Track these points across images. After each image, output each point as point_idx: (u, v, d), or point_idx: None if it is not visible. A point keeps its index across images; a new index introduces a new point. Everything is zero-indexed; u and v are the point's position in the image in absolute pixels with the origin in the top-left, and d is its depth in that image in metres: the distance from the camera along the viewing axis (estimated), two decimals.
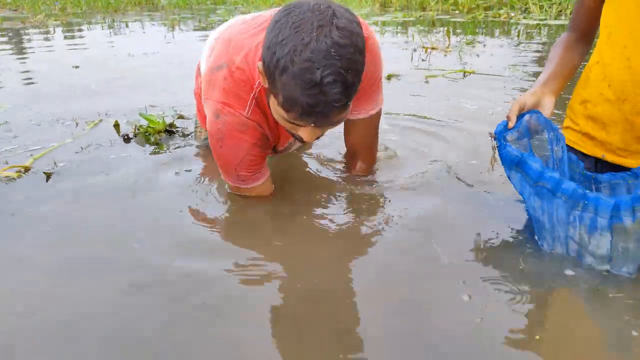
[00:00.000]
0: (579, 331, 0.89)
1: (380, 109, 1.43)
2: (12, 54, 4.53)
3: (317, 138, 1.17)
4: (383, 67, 1.35)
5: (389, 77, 2.91)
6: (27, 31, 6.61)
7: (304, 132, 1.09)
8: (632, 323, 0.89)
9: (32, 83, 3.05)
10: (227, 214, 1.33)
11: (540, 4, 6.68)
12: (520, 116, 1.11)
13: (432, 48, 3.94)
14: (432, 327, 0.89)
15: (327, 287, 1.03)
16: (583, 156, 1.24)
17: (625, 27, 1.09)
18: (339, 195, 1.41)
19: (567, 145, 1.25)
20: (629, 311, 0.92)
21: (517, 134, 1.10)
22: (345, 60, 0.94)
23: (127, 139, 1.89)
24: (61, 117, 2.19)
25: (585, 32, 1.26)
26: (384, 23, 6.30)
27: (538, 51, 3.78)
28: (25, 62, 3.92)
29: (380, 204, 1.36)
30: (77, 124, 2.10)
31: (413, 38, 4.41)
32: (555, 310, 0.97)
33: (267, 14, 1.26)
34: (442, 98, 2.43)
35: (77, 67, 3.57)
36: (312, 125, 1.03)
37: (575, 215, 0.99)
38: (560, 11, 6.28)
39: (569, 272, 1.02)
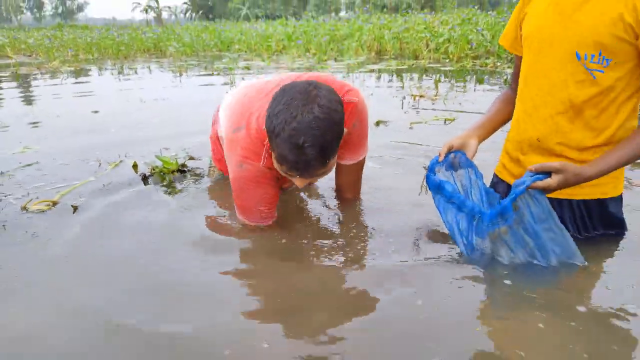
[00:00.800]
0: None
1: (365, 156, 1.74)
2: (33, 99, 4.90)
3: (310, 184, 1.45)
4: (368, 123, 1.67)
5: (377, 123, 3.21)
6: (44, 77, 7.05)
7: (296, 180, 1.41)
8: (538, 316, 1.11)
9: (57, 127, 3.37)
10: (241, 248, 1.57)
11: None
12: (448, 154, 1.42)
13: (421, 96, 4.28)
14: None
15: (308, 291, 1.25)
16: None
17: (521, 82, 1.43)
18: (331, 221, 1.67)
19: (498, 176, 1.60)
20: (540, 310, 1.14)
21: (444, 168, 1.42)
22: (322, 131, 1.26)
23: (145, 178, 2.16)
24: (86, 158, 2.47)
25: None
26: (379, 70, 6.72)
27: None
28: (46, 108, 4.26)
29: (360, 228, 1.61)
30: (100, 164, 2.37)
31: (403, 86, 4.77)
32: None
33: (271, 84, 1.58)
34: (420, 140, 2.72)
35: (96, 112, 3.91)
36: (298, 176, 1.35)
37: (472, 225, 1.31)
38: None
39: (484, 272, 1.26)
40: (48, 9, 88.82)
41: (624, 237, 1.47)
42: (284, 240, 1.56)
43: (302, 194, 1.94)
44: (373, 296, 1.25)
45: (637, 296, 1.23)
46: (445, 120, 3.29)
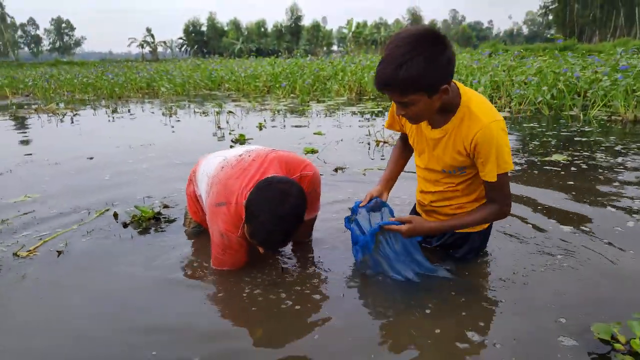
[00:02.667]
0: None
1: (317, 214, 2.24)
2: (34, 143, 5.29)
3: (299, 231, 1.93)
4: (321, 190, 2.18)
5: (336, 170, 3.62)
6: (42, 119, 7.46)
7: (262, 249, 1.88)
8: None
9: (56, 174, 3.76)
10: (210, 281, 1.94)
11: (491, 95, 7.67)
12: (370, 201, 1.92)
13: (384, 142, 4.71)
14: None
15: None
16: None
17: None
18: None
19: None
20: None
21: (365, 210, 1.89)
22: (289, 224, 1.75)
23: (125, 225, 2.53)
24: (77, 206, 2.85)
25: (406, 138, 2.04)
26: (355, 113, 7.20)
27: None
28: (46, 153, 4.65)
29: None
30: (89, 212, 2.75)
31: (369, 133, 5.21)
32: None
33: (245, 163, 1.99)
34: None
35: (91, 158, 4.32)
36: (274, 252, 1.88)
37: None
38: (509, 102, 7.24)
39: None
40: (45, 44, 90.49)
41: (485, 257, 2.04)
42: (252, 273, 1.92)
43: None
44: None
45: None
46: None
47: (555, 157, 3.90)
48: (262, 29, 75.85)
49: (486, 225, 1.96)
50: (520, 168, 3.60)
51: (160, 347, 1.51)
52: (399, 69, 1.42)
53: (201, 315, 1.70)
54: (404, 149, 2.07)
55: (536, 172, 3.48)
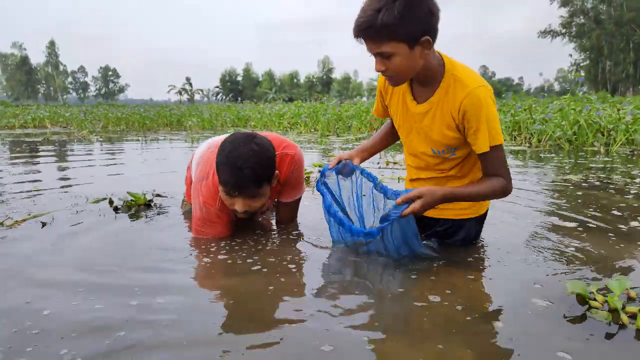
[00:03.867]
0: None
1: (301, 197, 2.21)
2: (53, 161, 5.53)
3: (250, 212, 1.86)
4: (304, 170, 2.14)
5: None
6: (72, 143, 7.83)
7: (238, 205, 1.80)
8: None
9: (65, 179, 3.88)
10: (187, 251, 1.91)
11: (512, 133, 7.59)
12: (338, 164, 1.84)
13: (394, 162, 4.68)
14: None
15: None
16: None
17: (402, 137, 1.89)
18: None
19: None
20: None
21: (335, 173, 1.83)
22: (257, 159, 1.73)
23: (116, 209, 2.55)
24: (79, 195, 2.92)
25: None
26: None
27: None
28: (67, 171, 4.83)
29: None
30: (87, 200, 2.80)
31: (380, 155, 5.21)
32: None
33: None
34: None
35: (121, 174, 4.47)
36: (237, 194, 1.76)
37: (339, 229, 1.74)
38: (529, 138, 7.12)
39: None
40: (92, 90, 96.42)
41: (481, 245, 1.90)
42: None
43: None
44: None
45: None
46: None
47: (569, 176, 3.77)
48: (295, 80, 78.77)
49: (483, 210, 1.86)
50: (529, 189, 3.48)
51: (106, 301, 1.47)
52: (378, 13, 1.38)
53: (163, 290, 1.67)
54: (391, 132, 2.01)
55: (545, 186, 3.35)
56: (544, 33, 48.03)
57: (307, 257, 1.82)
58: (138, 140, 8.48)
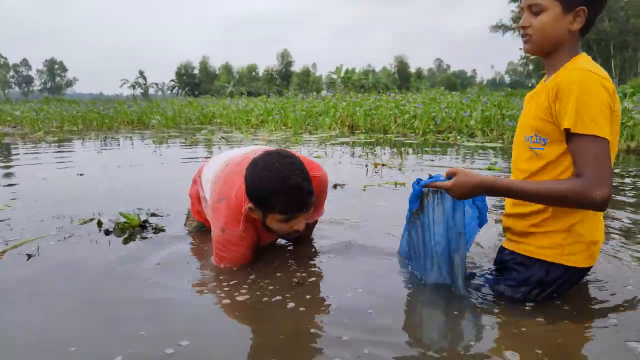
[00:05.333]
0: None
1: (319, 217, 2.19)
2: (18, 165, 5.08)
3: (304, 228, 1.75)
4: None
5: (335, 186, 3.48)
6: (27, 146, 7.27)
7: (297, 224, 1.69)
8: None
9: (41, 188, 3.55)
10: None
11: (483, 129, 7.73)
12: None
13: (383, 164, 4.61)
14: None
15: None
16: None
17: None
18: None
19: None
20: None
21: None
22: (302, 172, 1.64)
23: (107, 232, 2.32)
24: (60, 215, 2.64)
25: None
26: (348, 143, 7.15)
27: (469, 165, 4.47)
28: (26, 172, 4.44)
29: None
30: (71, 221, 2.53)
31: (367, 156, 5.13)
32: None
33: (249, 159, 1.79)
34: (361, 201, 2.97)
35: (81, 174, 4.17)
36: (302, 212, 1.65)
37: None
38: (502, 134, 7.27)
39: None
40: (36, 84, 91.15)
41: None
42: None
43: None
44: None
45: None
46: (396, 183, 3.58)
47: None
48: (253, 73, 77.56)
49: (575, 259, 1.43)
50: None
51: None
52: None
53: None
54: None
55: None
56: (496, 27, 49.56)
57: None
58: (101, 141, 8.00)
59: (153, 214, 2.56)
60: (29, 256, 1.99)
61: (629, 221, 2.49)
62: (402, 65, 75.85)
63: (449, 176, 1.45)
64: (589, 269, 1.49)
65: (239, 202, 1.78)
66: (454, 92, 15.64)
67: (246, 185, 1.67)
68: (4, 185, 3.71)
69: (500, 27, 49.58)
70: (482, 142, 6.83)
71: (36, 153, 6.27)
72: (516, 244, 1.52)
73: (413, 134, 8.27)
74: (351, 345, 1.27)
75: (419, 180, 1.60)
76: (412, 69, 77.73)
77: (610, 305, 1.49)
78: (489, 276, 1.63)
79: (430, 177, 1.57)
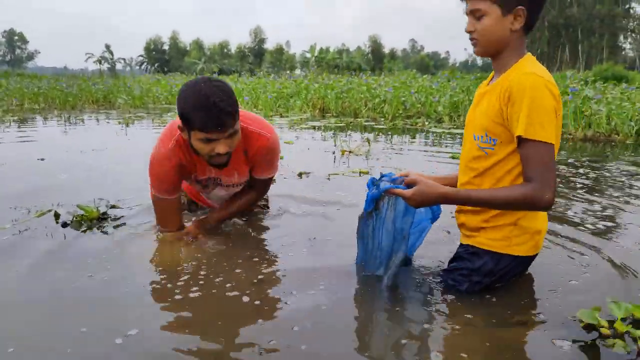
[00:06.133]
0: None
1: (273, 176, 2.22)
2: None
3: (227, 154, 1.81)
4: (279, 156, 2.16)
5: (300, 175, 3.51)
6: None
7: (219, 146, 1.74)
8: None
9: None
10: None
11: (450, 114, 7.87)
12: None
13: (350, 152, 4.66)
14: None
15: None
16: None
17: None
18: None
19: None
20: None
21: (387, 179, 1.62)
22: (224, 91, 1.69)
23: (64, 225, 2.28)
24: (18, 206, 2.58)
25: None
26: (318, 127, 7.16)
27: (434, 153, 4.58)
28: None
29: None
30: (29, 211, 2.48)
31: (335, 142, 5.16)
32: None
33: None
34: (324, 193, 3.02)
35: (42, 159, 4.03)
36: (219, 130, 1.68)
37: None
38: (460, 116, 7.43)
39: None
40: None
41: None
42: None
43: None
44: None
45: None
46: (360, 172, 3.64)
47: None
48: (225, 50, 75.88)
49: (522, 250, 1.54)
50: None
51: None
52: None
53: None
54: None
55: None
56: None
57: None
58: (64, 121, 7.74)
59: (113, 206, 2.53)
60: None
61: (581, 211, 2.62)
62: (376, 46, 75.60)
63: (409, 185, 1.51)
64: (534, 256, 1.61)
65: (175, 126, 1.90)
66: (425, 76, 15.79)
67: (177, 101, 1.77)
68: None
69: None
70: (450, 128, 6.97)
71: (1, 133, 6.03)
72: (470, 238, 1.62)
73: (382, 119, 8.34)
74: (294, 342, 1.32)
75: (373, 180, 1.65)
76: (386, 50, 77.63)
77: (545, 301, 1.59)
78: (442, 272, 1.72)
79: (382, 175, 1.64)
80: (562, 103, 1.47)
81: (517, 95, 1.37)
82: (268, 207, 2.63)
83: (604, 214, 2.61)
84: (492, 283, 1.59)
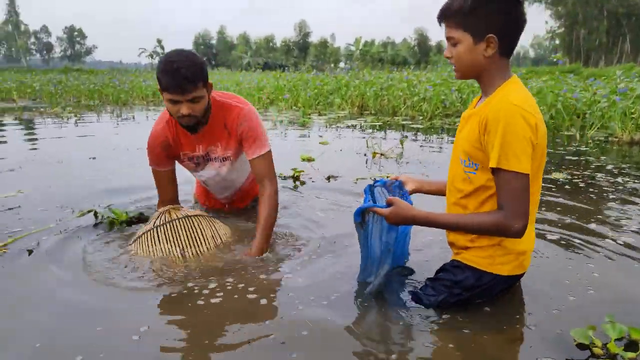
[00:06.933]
0: None
1: (269, 151, 2.24)
2: (38, 144, 5.33)
3: (192, 116, 2.02)
4: (262, 127, 2.23)
5: (328, 178, 3.62)
6: (46, 122, 7.54)
7: (182, 108, 1.97)
8: None
9: (56, 172, 3.80)
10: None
11: None
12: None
13: (382, 154, 4.72)
14: None
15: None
16: None
17: None
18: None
19: None
20: None
21: (381, 187, 1.83)
22: (189, 58, 1.94)
23: (95, 225, 2.51)
24: (65, 205, 2.85)
25: None
26: (355, 126, 7.22)
27: None
28: (50, 152, 4.68)
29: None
30: (73, 211, 2.74)
31: (367, 145, 5.22)
32: None
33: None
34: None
35: (93, 158, 4.35)
36: (179, 92, 1.92)
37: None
38: None
39: None
40: (57, 52, 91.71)
41: None
42: None
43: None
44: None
45: None
46: (387, 177, 3.69)
47: (555, 175, 3.87)
48: (271, 44, 76.80)
49: (505, 269, 1.57)
50: None
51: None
52: (458, 1, 1.46)
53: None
54: None
55: None
56: None
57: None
58: (116, 117, 8.24)
59: (140, 214, 2.67)
60: (30, 252, 2.17)
61: (607, 224, 2.57)
62: (422, 38, 74.00)
63: (388, 204, 1.58)
64: (520, 275, 1.65)
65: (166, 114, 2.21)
66: None
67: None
68: (20, 168, 3.95)
69: None
70: None
71: (53, 130, 6.53)
72: (458, 254, 1.68)
73: (421, 117, 8.28)
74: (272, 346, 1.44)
75: (369, 187, 1.81)
76: (433, 43, 75.82)
77: (542, 317, 1.61)
78: (427, 280, 1.76)
79: (376, 182, 1.81)
80: (543, 130, 1.47)
81: (492, 125, 1.42)
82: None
83: (631, 229, 2.54)
84: (472, 297, 1.63)
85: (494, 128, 1.41)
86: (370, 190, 1.82)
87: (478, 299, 1.64)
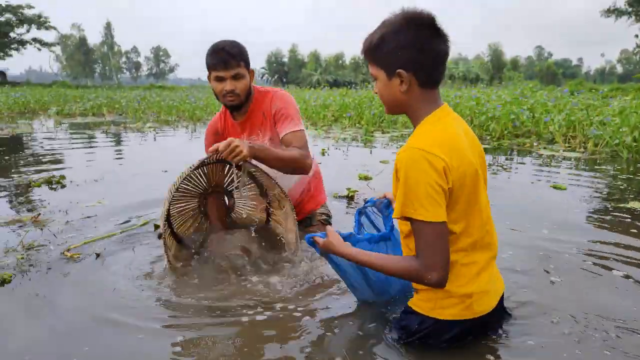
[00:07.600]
0: None
1: (301, 130, 2.31)
2: (120, 156, 5.87)
3: (235, 94, 2.24)
4: (294, 108, 2.36)
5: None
6: (129, 135, 8.25)
7: (227, 85, 2.20)
8: None
9: (132, 184, 4.20)
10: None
11: (565, 135, 7.25)
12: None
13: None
14: None
15: None
16: None
17: None
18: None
19: None
20: None
21: (374, 206, 1.90)
22: (234, 42, 2.23)
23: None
24: (134, 215, 3.13)
25: None
26: None
27: (535, 181, 4.33)
28: (126, 165, 5.14)
29: None
30: (139, 219, 3.00)
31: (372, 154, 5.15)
32: None
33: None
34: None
35: (166, 171, 4.71)
36: (223, 67, 2.17)
37: None
38: (584, 142, 6.79)
39: None
40: (144, 70, 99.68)
41: None
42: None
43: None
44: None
45: None
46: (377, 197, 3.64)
47: (633, 204, 3.55)
48: (340, 61, 77.98)
49: (443, 315, 1.46)
50: (588, 214, 3.36)
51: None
52: (371, 37, 1.46)
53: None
54: None
55: (607, 218, 3.20)
56: (608, 12, 44.70)
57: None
58: (190, 133, 8.81)
59: None
60: (97, 255, 2.42)
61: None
62: (496, 54, 71.49)
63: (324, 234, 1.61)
64: (478, 318, 1.47)
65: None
66: (548, 87, 14.57)
67: None
68: (102, 179, 4.37)
69: (614, 12, 44.70)
70: (561, 151, 6.45)
71: (134, 143, 7.12)
72: (411, 298, 1.58)
73: (489, 137, 7.99)
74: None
75: (359, 210, 1.89)
76: (508, 57, 72.95)
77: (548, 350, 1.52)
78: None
79: (366, 202, 1.90)
80: (463, 169, 1.36)
81: (398, 171, 1.37)
82: (330, 222, 2.75)
83: None
84: (423, 341, 1.51)
85: (399, 174, 1.36)
86: (360, 213, 1.88)
87: (432, 342, 1.51)
